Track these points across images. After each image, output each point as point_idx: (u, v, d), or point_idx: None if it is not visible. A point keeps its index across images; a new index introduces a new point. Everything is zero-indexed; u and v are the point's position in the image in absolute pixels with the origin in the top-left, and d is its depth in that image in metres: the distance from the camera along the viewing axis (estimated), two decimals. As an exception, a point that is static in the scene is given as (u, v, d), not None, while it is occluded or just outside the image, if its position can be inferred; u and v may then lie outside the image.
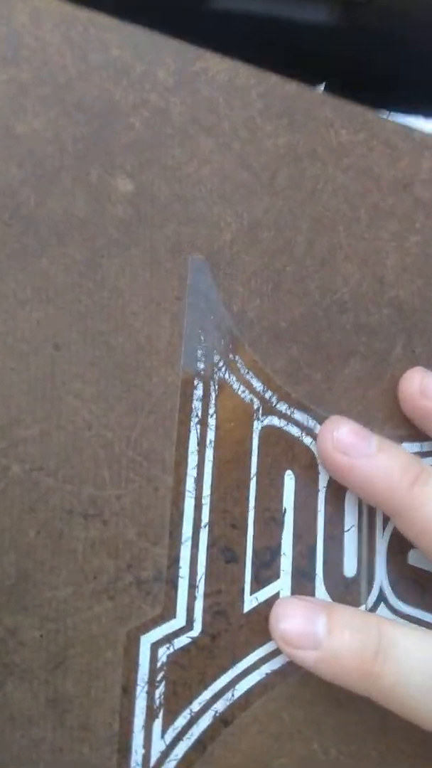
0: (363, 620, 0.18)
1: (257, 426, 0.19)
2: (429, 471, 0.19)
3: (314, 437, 0.20)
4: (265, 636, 0.19)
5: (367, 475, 0.19)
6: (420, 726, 0.17)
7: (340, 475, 0.19)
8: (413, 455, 0.20)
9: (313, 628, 0.18)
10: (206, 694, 0.18)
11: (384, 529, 0.21)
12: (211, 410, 0.19)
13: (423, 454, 0.21)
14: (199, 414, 0.19)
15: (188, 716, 0.18)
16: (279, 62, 0.22)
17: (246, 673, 0.18)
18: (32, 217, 0.18)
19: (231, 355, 0.19)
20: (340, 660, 0.17)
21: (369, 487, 0.19)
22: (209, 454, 0.19)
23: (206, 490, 0.19)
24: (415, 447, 0.21)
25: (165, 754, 0.17)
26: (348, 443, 0.19)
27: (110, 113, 0.19)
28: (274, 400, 0.20)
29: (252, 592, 0.19)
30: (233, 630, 0.18)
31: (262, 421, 0.20)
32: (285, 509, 0.19)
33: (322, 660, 0.17)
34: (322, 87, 0.26)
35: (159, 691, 0.18)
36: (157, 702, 0.17)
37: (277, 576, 0.19)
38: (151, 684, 0.17)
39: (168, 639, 0.18)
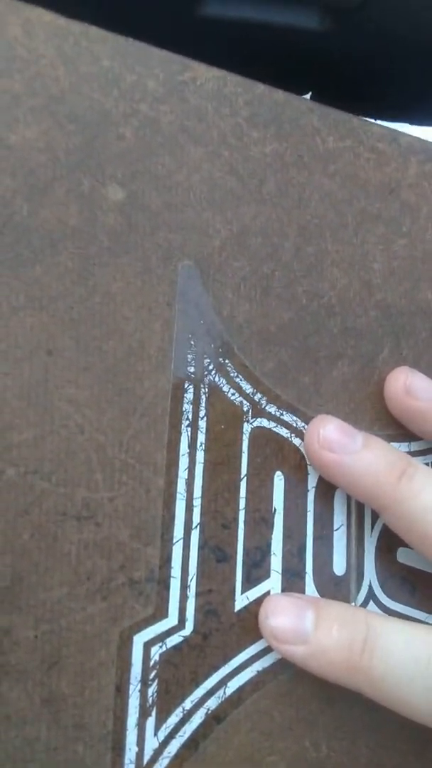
0: (351, 614, 0.18)
1: (247, 428, 0.20)
2: (415, 465, 0.19)
3: (303, 438, 0.20)
4: (255, 634, 0.19)
5: (354, 471, 0.19)
6: (409, 717, 0.17)
7: (328, 472, 0.19)
8: (399, 450, 0.20)
9: (301, 623, 0.18)
10: (198, 692, 0.18)
11: (373, 528, 0.21)
12: (202, 413, 0.19)
13: (411, 454, 0.21)
14: (190, 417, 0.19)
15: (181, 714, 0.18)
16: (268, 69, 0.22)
17: (237, 671, 0.19)
18: (25, 226, 0.18)
19: (221, 359, 0.20)
20: (328, 654, 0.17)
21: (356, 483, 0.19)
22: (200, 456, 0.19)
23: (197, 492, 0.19)
24: (404, 447, 0.21)
25: (158, 752, 0.18)
26: (334, 440, 0.19)
27: (101, 123, 0.19)
28: (263, 402, 0.20)
29: (243, 591, 0.19)
30: (224, 629, 0.19)
31: (251, 423, 0.20)
32: (275, 509, 0.20)
33: (311, 654, 0.17)
34: (308, 95, 0.26)
35: (152, 690, 0.18)
36: (150, 700, 0.18)
37: (267, 575, 0.19)
38: (144, 683, 0.18)
39: (160, 638, 0.18)
